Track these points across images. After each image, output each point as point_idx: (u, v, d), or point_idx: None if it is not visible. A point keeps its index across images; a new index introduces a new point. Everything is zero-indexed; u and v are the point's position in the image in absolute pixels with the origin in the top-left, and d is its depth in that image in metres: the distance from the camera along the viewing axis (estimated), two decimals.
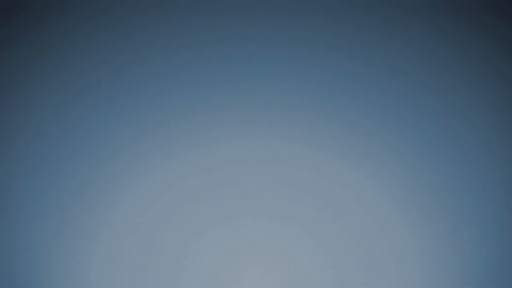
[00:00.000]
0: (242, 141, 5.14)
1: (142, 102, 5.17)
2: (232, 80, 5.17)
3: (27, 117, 5.18)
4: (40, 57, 5.20)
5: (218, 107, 5.16)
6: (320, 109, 5.14)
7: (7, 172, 5.14)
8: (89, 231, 5.10)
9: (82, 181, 5.13)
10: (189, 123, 5.15)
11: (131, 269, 5.07)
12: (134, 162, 5.14)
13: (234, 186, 5.11)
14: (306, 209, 5.09)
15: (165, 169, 5.13)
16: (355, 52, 5.16)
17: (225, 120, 5.15)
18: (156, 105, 5.16)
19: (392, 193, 5.08)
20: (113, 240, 5.09)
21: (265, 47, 5.18)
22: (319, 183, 5.09)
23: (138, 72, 5.19)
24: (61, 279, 5.07)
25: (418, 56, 5.15)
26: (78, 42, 5.21)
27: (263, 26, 5.18)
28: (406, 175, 5.09)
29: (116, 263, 5.07)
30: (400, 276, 5.02)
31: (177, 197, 5.11)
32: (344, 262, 5.04)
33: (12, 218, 5.11)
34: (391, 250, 5.04)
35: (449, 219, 5.06)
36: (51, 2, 5.22)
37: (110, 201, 5.11)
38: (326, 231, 5.07)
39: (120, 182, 5.12)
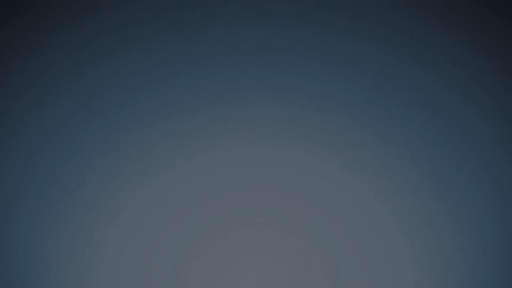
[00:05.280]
0: (242, 143, 5.14)
1: (145, 103, 5.17)
2: (232, 81, 5.17)
3: (27, 117, 5.19)
4: (40, 57, 5.20)
5: (219, 108, 5.16)
6: (320, 110, 5.14)
7: (8, 172, 5.16)
8: (90, 232, 5.11)
9: (83, 182, 5.14)
10: (190, 124, 5.16)
11: (132, 269, 5.09)
12: (137, 163, 5.15)
13: (235, 188, 5.11)
14: (305, 211, 5.09)
15: (166, 170, 5.13)
16: (355, 52, 5.16)
17: (225, 122, 5.15)
18: (158, 106, 5.17)
19: (391, 194, 5.08)
20: (114, 241, 5.10)
21: (266, 48, 5.17)
22: (319, 184, 5.10)
23: (139, 72, 5.19)
24: (62, 279, 5.09)
25: (419, 56, 5.14)
26: (78, 42, 5.21)
27: (263, 26, 5.18)
28: (405, 176, 5.09)
29: (117, 263, 5.09)
30: (399, 277, 5.03)
31: (178, 199, 5.12)
32: (344, 264, 5.05)
33: (12, 219, 5.12)
34: (390, 251, 5.04)
35: (449, 220, 5.06)
36: (51, 2, 5.23)
37: (111, 203, 5.12)
38: (326, 232, 5.08)
39: (122, 183, 5.13)
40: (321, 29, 5.17)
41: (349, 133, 5.12)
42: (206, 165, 5.13)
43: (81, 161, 5.16)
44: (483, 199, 5.06)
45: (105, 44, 5.21)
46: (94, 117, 5.19)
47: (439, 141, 5.10)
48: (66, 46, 5.22)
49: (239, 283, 5.07)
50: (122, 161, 5.15)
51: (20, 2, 5.22)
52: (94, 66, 5.21)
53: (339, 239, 5.07)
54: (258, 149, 5.13)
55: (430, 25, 5.14)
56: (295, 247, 5.08)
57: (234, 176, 5.12)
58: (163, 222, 5.11)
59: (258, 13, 5.19)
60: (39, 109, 5.20)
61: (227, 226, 5.10)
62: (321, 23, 5.17)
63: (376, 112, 5.12)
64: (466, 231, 5.05)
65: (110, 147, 5.16)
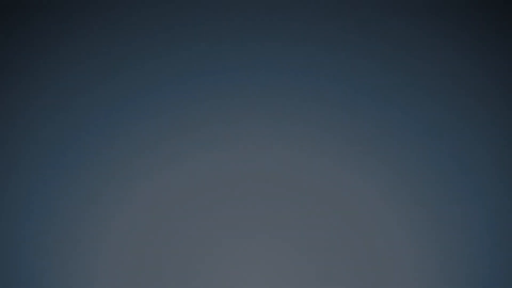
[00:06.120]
0: (242, 142, 5.14)
1: (143, 103, 5.17)
2: (233, 80, 5.17)
3: (28, 117, 5.18)
4: (40, 57, 5.20)
5: (220, 109, 5.16)
6: (321, 109, 5.15)
7: (8, 172, 5.14)
8: (91, 233, 5.10)
9: (84, 182, 5.13)
10: (192, 125, 5.16)
11: (131, 270, 5.08)
12: (137, 164, 5.14)
13: (235, 188, 5.11)
14: (306, 210, 5.09)
15: (167, 171, 5.13)
16: (355, 52, 5.17)
17: (226, 122, 5.16)
18: (158, 107, 5.17)
19: (392, 193, 5.08)
20: (114, 242, 5.09)
21: (266, 48, 5.18)
22: (320, 183, 5.10)
23: (139, 73, 5.19)
24: (62, 280, 5.07)
25: (418, 56, 5.16)
26: (79, 42, 5.21)
27: (263, 26, 5.19)
28: (406, 175, 5.10)
29: (116, 264, 5.08)
30: (400, 276, 5.03)
31: (178, 200, 5.12)
32: (345, 262, 5.05)
33: (12, 219, 5.11)
34: (391, 250, 5.04)
35: (450, 219, 5.07)
36: (51, 2, 5.23)
37: (112, 203, 5.11)
38: (327, 231, 5.08)
39: (122, 184, 5.12)
40: (322, 30, 5.19)
41: (352, 132, 5.13)
42: (209, 166, 5.13)
43: (82, 163, 5.15)
44: (486, 198, 5.07)
45: (105, 45, 5.21)
46: (93, 118, 5.18)
47: (442, 140, 5.11)
48: (66, 47, 5.23)
49: (240, 283, 5.06)
50: (122, 160, 5.15)
51: (24, 9, 5.23)
52: (95, 68, 5.21)
53: (342, 239, 5.06)
54: (260, 150, 5.13)
55: (429, 31, 5.16)
56: (296, 247, 5.07)
57: (235, 177, 5.12)
58: (164, 223, 5.10)
59: (258, 10, 5.20)
60: (39, 110, 5.19)
61: (228, 226, 5.10)
62: (322, 23, 5.19)
63: (379, 110, 5.13)
64: (469, 230, 5.05)
65: (111, 147, 5.16)
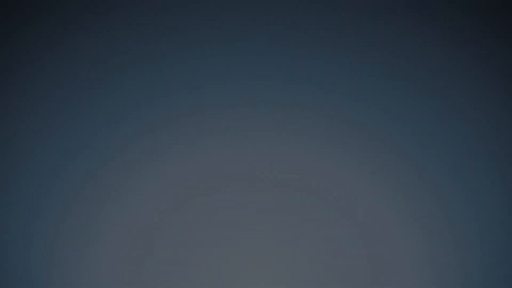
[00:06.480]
0: (242, 140, 5.14)
1: (141, 102, 5.18)
2: (233, 79, 5.17)
3: (27, 117, 5.18)
4: (40, 57, 5.20)
5: (218, 106, 5.16)
6: (321, 109, 5.15)
7: (7, 171, 5.14)
8: (88, 230, 5.10)
9: (82, 180, 5.13)
10: (189, 122, 5.16)
11: (129, 268, 5.07)
12: (134, 161, 5.14)
13: (234, 186, 5.11)
14: (306, 209, 5.09)
15: (164, 168, 5.13)
16: (355, 52, 5.17)
17: (225, 119, 5.16)
18: (155, 105, 5.17)
19: (392, 192, 5.09)
20: (112, 240, 5.09)
21: (266, 47, 5.19)
22: (320, 182, 5.10)
23: (138, 71, 5.20)
24: (60, 278, 5.07)
25: (418, 56, 5.16)
26: (79, 42, 5.22)
27: (263, 26, 5.19)
28: (406, 174, 5.10)
29: (114, 262, 5.07)
30: (400, 275, 5.03)
31: (176, 197, 5.12)
32: (345, 262, 5.05)
33: (10, 218, 5.11)
34: (391, 249, 5.04)
35: (450, 219, 5.07)
36: (51, 2, 5.23)
37: (109, 201, 5.11)
38: (327, 231, 5.08)
39: (120, 181, 5.12)
40: (321, 31, 5.19)
41: (352, 131, 5.13)
42: (207, 163, 5.13)
43: (79, 161, 5.15)
44: (485, 198, 5.07)
45: (105, 44, 5.22)
46: (93, 117, 5.18)
47: (442, 140, 5.12)
48: (67, 46, 5.23)
49: (239, 281, 5.05)
50: (121, 159, 5.15)
51: (26, 10, 5.23)
52: (94, 67, 5.21)
53: (342, 237, 5.07)
54: (259, 147, 5.14)
55: (430, 28, 5.17)
56: (296, 246, 5.08)
57: (234, 175, 5.12)
58: (162, 220, 5.10)
59: (258, 15, 5.21)
60: (40, 108, 5.20)
61: (227, 225, 5.09)
62: (322, 23, 5.19)
63: (379, 110, 5.14)
64: (468, 230, 5.06)
65: (109, 146, 5.16)
